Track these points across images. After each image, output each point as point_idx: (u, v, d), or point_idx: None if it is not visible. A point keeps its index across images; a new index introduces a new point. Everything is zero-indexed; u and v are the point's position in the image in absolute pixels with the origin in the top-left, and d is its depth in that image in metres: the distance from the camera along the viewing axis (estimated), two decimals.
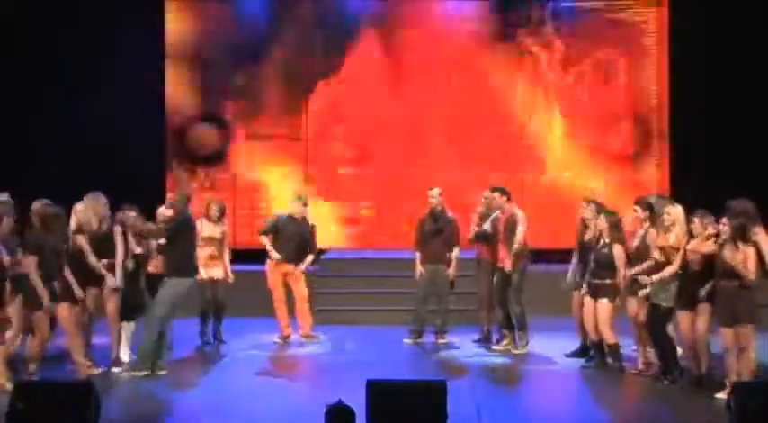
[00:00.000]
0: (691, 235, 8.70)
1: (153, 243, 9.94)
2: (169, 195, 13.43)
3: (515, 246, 10.36)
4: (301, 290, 11.19)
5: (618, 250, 9.38)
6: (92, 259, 9.37)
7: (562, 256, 11.17)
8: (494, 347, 10.77)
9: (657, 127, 14.56)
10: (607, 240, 9.46)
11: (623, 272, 9.31)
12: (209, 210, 10.87)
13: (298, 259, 11.12)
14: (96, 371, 9.23)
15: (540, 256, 11.40)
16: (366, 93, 14.81)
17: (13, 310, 8.81)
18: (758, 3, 13.67)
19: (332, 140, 14.87)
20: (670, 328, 9.10)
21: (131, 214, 9.80)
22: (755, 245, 8.28)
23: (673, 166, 14.37)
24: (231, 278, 10.96)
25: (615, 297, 9.43)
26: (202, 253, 10.50)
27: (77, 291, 9.14)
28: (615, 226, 9.47)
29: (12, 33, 13.77)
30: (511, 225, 10.47)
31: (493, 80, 14.62)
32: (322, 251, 13.07)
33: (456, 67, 14.69)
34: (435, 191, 11.12)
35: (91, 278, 9.39)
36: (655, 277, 8.90)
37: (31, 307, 8.80)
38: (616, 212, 9.74)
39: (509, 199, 10.65)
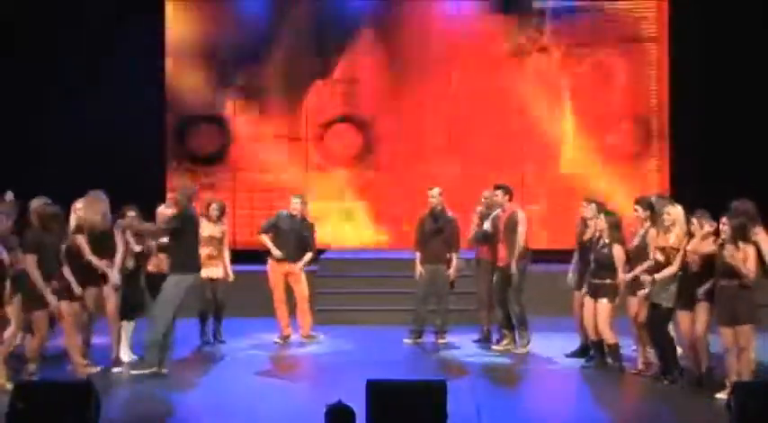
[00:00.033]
0: (690, 235, 8.70)
1: (153, 242, 9.95)
2: (169, 195, 13.45)
3: (518, 247, 10.36)
4: (302, 290, 11.19)
5: (617, 250, 9.38)
6: (91, 258, 9.37)
7: (562, 256, 11.16)
8: (494, 347, 10.77)
9: (657, 127, 14.55)
10: (607, 240, 9.46)
11: (622, 272, 9.32)
12: (209, 209, 10.87)
13: (298, 257, 11.13)
14: (94, 370, 9.22)
15: (539, 256, 11.38)
16: (366, 92, 14.81)
17: (12, 309, 8.82)
18: (758, 3, 13.67)
19: (332, 140, 14.86)
20: (670, 328, 9.11)
21: (131, 214, 9.80)
22: (755, 245, 8.28)
23: (673, 166, 14.36)
24: (231, 277, 10.96)
25: (615, 297, 9.43)
26: (202, 252, 10.48)
27: (76, 288, 9.14)
28: (615, 226, 9.47)
29: (12, 33, 13.76)
30: (512, 224, 10.46)
31: (493, 80, 14.61)
32: (322, 251, 13.08)
33: (456, 66, 14.68)
34: (435, 191, 11.12)
35: (90, 277, 9.39)
36: (657, 276, 8.89)
37: (30, 307, 8.80)
38: (616, 212, 9.75)
39: (511, 198, 10.65)
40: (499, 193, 10.64)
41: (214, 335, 11.05)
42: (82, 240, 9.37)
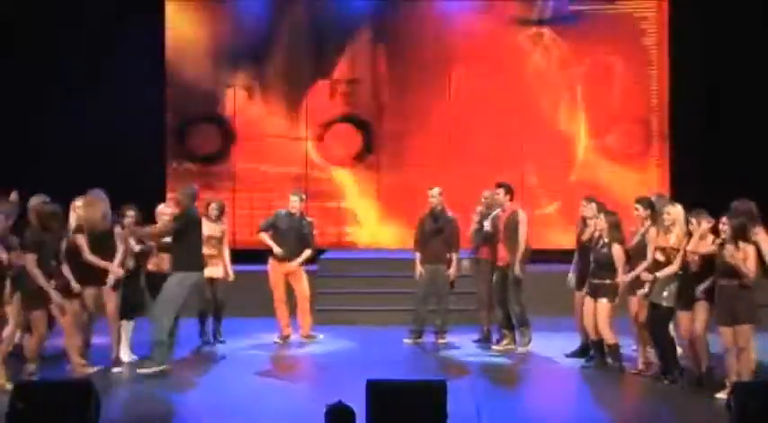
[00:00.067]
0: (690, 234, 8.70)
1: (153, 242, 9.96)
2: (169, 195, 13.45)
3: (521, 249, 10.36)
4: (303, 290, 11.20)
5: (617, 250, 9.38)
6: (89, 257, 9.37)
7: (563, 256, 11.16)
8: (494, 347, 10.77)
9: (657, 127, 14.55)
10: (606, 240, 9.46)
11: (622, 272, 9.32)
12: (208, 209, 10.87)
13: (299, 255, 11.14)
14: (92, 370, 9.21)
15: (539, 256, 11.38)
16: (366, 92, 14.80)
17: (11, 309, 8.81)
18: (758, 2, 13.67)
19: (332, 140, 14.86)
20: (670, 328, 9.10)
21: (130, 213, 9.81)
22: (756, 244, 8.28)
23: (673, 166, 14.37)
24: (231, 276, 10.96)
25: (615, 297, 9.42)
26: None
27: (74, 284, 9.14)
28: (615, 226, 9.46)
29: (12, 33, 13.76)
30: (512, 224, 10.46)
31: (493, 80, 14.60)
32: (322, 251, 13.08)
33: (456, 66, 14.68)
34: (435, 190, 11.12)
35: (89, 277, 9.38)
36: (658, 274, 8.89)
37: (29, 306, 8.80)
38: (616, 212, 9.74)
39: (512, 197, 10.65)
40: (501, 191, 10.63)
41: (214, 335, 11.05)
42: (81, 240, 9.37)
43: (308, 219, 11.43)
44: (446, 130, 14.69)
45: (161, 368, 9.25)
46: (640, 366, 9.45)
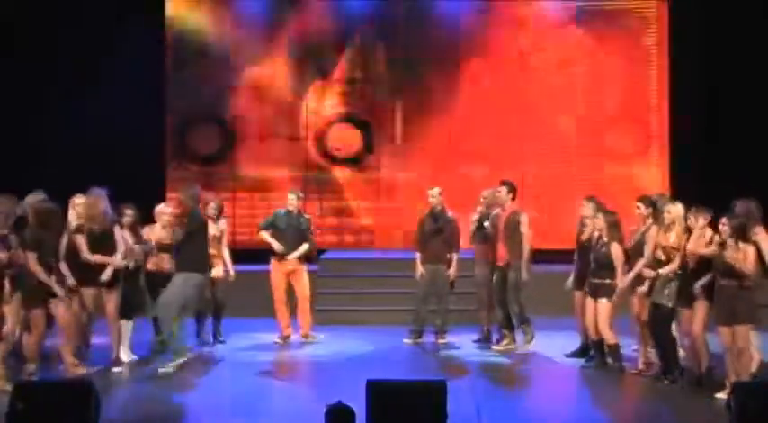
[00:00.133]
0: (689, 231, 8.70)
1: (152, 241, 9.96)
2: (169, 195, 13.45)
3: (525, 251, 10.35)
4: (304, 289, 11.19)
5: (616, 250, 9.37)
6: (87, 256, 9.36)
7: (563, 256, 11.16)
8: (494, 347, 10.77)
9: (657, 127, 14.55)
10: (605, 239, 9.45)
11: (622, 272, 9.31)
12: (207, 209, 10.87)
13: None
14: (84, 370, 9.16)
15: (539, 256, 11.36)
16: (366, 92, 14.80)
17: (10, 308, 8.80)
18: (758, 3, 13.66)
19: (332, 140, 14.86)
20: (672, 329, 9.10)
21: (129, 213, 9.81)
22: (756, 244, 8.28)
23: (673, 166, 14.37)
24: (232, 275, 10.96)
25: (614, 296, 9.41)
26: None
27: (71, 280, 9.14)
28: (614, 225, 9.46)
29: (12, 33, 13.76)
30: (512, 223, 10.46)
31: (493, 80, 14.61)
32: (322, 251, 13.07)
33: (457, 66, 14.68)
34: (435, 190, 11.12)
35: (89, 277, 9.38)
36: (661, 271, 8.88)
37: (29, 304, 8.80)
38: (615, 212, 9.73)
39: (514, 196, 10.64)
40: (503, 189, 10.61)
41: (214, 335, 11.04)
42: (81, 240, 9.37)
43: (306, 216, 11.45)
44: (446, 130, 14.69)
45: (182, 360, 9.34)
46: (641, 366, 9.45)
